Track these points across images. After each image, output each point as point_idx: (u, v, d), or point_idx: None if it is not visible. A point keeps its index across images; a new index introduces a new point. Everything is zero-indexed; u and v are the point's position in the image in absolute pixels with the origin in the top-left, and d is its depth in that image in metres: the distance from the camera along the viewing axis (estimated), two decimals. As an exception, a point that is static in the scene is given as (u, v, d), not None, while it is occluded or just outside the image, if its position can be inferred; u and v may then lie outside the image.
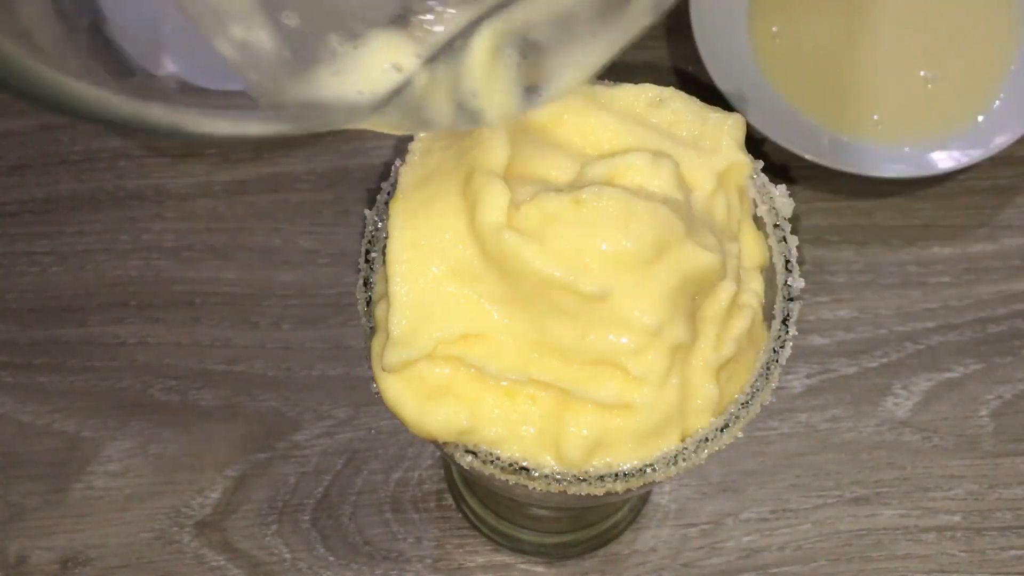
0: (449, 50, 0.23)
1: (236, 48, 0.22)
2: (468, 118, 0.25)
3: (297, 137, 0.25)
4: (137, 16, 0.22)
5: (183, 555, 0.55)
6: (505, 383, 0.35)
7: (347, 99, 0.23)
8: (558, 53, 0.25)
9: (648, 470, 0.35)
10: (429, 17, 0.23)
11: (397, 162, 0.37)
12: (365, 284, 0.37)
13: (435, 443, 0.36)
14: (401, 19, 0.23)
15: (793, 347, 0.37)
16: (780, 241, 0.39)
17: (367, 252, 0.38)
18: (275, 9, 0.22)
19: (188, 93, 0.22)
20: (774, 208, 0.39)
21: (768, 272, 0.39)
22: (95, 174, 0.64)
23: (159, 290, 0.61)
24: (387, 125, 0.24)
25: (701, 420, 0.36)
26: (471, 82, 0.24)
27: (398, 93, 0.23)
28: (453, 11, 0.23)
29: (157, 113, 0.21)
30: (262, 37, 0.22)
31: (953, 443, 0.58)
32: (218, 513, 0.56)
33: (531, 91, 0.25)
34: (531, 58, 0.24)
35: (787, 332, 0.37)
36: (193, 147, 0.65)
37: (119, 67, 0.21)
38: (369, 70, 0.23)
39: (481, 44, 0.23)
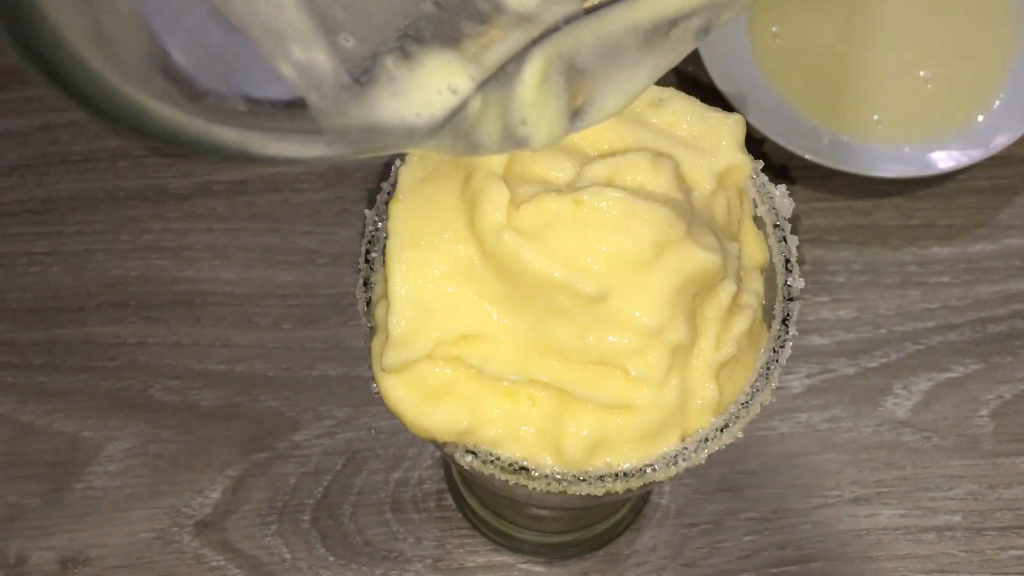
0: (502, 74, 0.23)
1: (297, 70, 0.22)
2: (514, 143, 0.25)
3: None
4: (203, 38, 0.22)
5: (183, 555, 0.55)
6: (505, 383, 0.35)
7: (406, 121, 0.23)
8: (602, 78, 0.25)
9: (648, 470, 0.35)
10: (483, 40, 0.23)
11: (397, 162, 0.37)
12: (365, 284, 0.37)
13: (435, 443, 0.36)
14: (454, 41, 0.23)
15: (793, 347, 0.37)
16: (780, 241, 0.39)
17: (367, 252, 0.38)
18: (332, 31, 0.22)
19: (255, 116, 0.22)
20: (774, 208, 0.39)
21: (768, 272, 0.39)
22: (95, 174, 0.64)
23: (159, 290, 0.61)
24: (439, 148, 0.24)
25: (701, 420, 0.36)
26: (521, 109, 0.24)
27: (453, 116, 0.23)
28: (507, 33, 0.23)
29: (227, 135, 0.21)
30: (321, 59, 0.22)
31: (953, 443, 0.58)
32: (218, 513, 0.56)
33: (575, 115, 0.25)
34: (575, 83, 0.24)
35: (787, 332, 0.37)
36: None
37: (193, 89, 0.21)
38: (427, 92, 0.23)
39: (532, 71, 0.23)
